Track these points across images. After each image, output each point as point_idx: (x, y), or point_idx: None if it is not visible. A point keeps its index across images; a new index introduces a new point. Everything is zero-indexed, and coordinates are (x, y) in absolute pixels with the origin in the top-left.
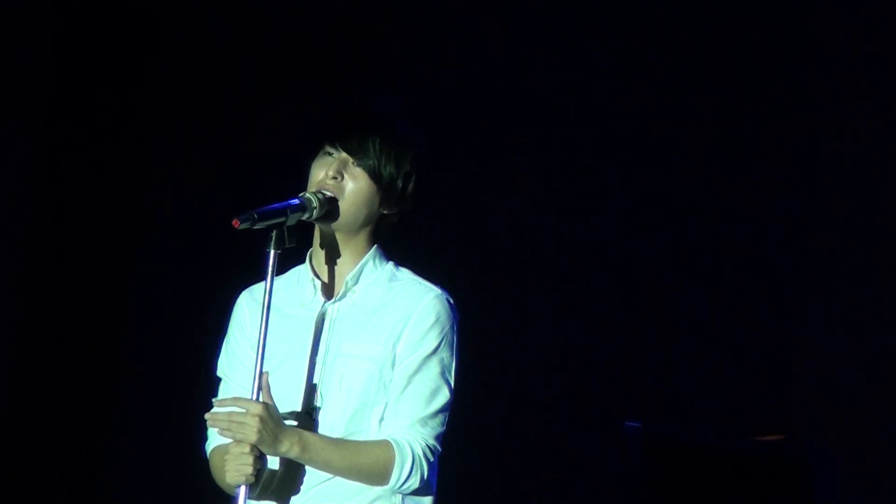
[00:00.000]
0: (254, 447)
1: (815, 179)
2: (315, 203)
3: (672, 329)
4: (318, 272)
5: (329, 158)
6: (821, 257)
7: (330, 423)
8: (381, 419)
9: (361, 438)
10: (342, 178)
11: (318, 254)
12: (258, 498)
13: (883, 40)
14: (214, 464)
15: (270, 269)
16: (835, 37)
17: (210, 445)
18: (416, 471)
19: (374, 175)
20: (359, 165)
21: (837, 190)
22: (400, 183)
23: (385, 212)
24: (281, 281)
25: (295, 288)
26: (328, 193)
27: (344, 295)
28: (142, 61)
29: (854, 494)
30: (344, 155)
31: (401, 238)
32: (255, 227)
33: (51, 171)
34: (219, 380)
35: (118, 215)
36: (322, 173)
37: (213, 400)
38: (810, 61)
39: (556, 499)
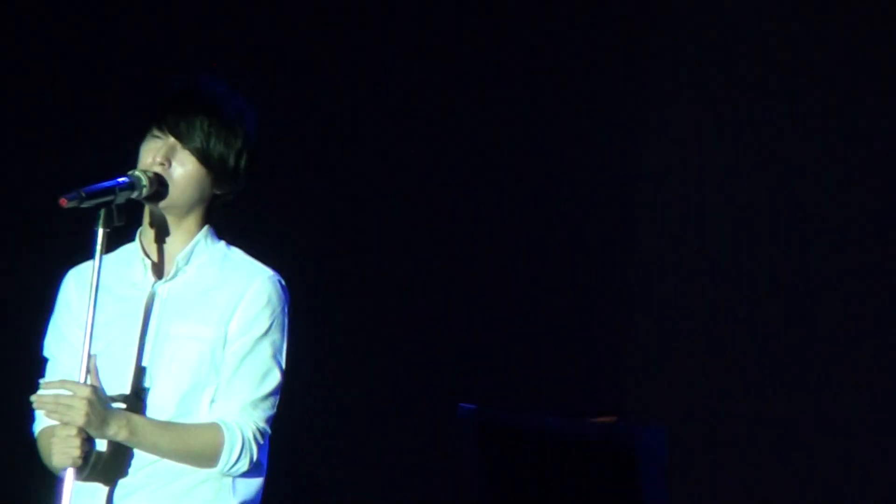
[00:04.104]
0: (81, 430)
1: (643, 170)
2: (144, 181)
3: (506, 312)
4: (148, 251)
5: (157, 142)
6: (652, 241)
7: (159, 405)
8: (213, 401)
9: (192, 420)
10: (169, 164)
11: (148, 233)
12: (85, 480)
13: (709, 42)
14: (42, 445)
15: (99, 248)
16: (663, 40)
17: (38, 427)
18: (246, 454)
19: (203, 157)
20: (187, 148)
21: (664, 176)
22: (231, 162)
23: (218, 192)
24: (110, 260)
25: (124, 267)
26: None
27: (175, 275)
28: None
29: (681, 475)
30: (172, 139)
31: (234, 218)
32: (82, 206)
33: None
34: (45, 360)
35: None
36: (150, 158)
37: (41, 381)
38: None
39: (390, 480)
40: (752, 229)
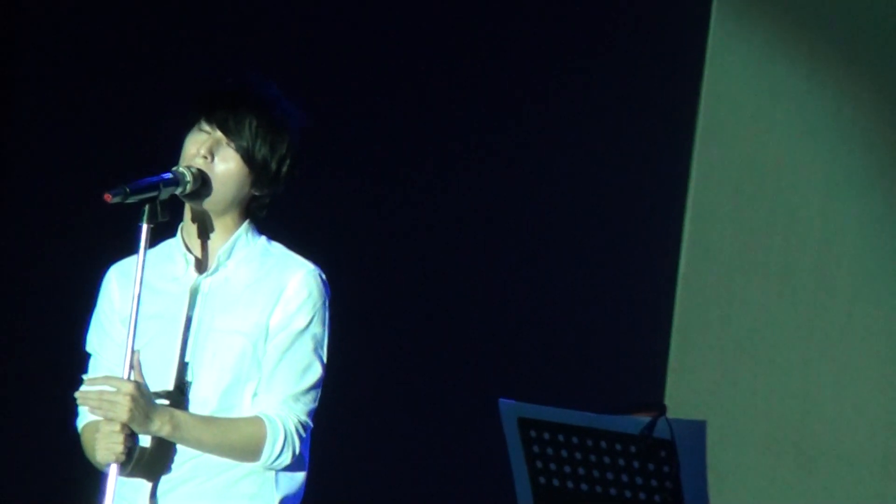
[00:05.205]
0: (125, 426)
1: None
2: (188, 177)
3: (545, 308)
4: (189, 246)
5: (203, 136)
6: (694, 242)
7: (202, 399)
8: (255, 395)
9: (235, 414)
10: (212, 158)
11: (189, 228)
12: (129, 475)
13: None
14: (85, 440)
15: (143, 243)
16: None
17: (81, 422)
18: (288, 447)
19: (247, 157)
20: (232, 145)
21: (703, 173)
22: (274, 166)
23: (256, 193)
24: (151, 255)
25: (166, 262)
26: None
27: (217, 269)
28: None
29: (720, 472)
30: (218, 134)
31: (275, 214)
32: (127, 202)
33: None
34: (88, 356)
35: None
36: (194, 150)
37: (84, 377)
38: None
39: (431, 476)
40: (786, 225)
